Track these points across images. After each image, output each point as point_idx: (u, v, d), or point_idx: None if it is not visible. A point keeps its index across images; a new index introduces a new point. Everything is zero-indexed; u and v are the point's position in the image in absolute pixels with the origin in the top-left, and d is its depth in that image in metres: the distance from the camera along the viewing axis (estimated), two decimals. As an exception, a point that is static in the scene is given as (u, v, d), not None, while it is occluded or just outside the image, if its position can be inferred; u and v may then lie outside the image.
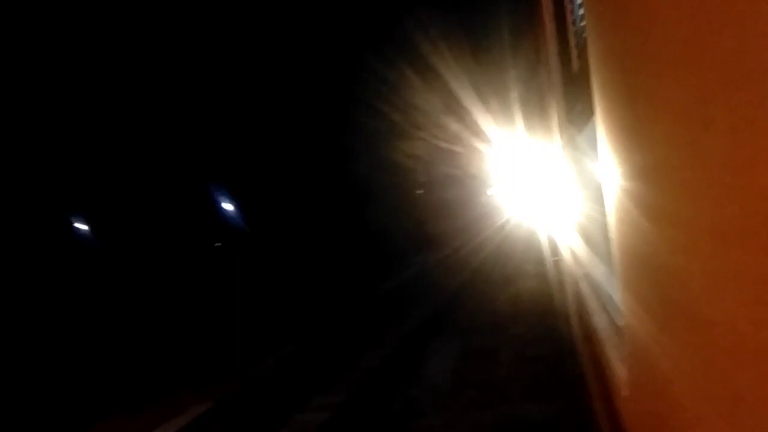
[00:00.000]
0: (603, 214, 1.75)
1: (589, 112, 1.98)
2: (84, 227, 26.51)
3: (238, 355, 8.52)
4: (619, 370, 1.66)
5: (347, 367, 7.72)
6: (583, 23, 2.19)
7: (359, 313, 12.11)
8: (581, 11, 2.21)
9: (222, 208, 25.45)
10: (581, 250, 3.11)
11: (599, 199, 2.24)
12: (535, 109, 9.41)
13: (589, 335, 2.52)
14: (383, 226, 23.91)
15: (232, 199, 25.46)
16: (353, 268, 18.30)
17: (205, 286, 15.65)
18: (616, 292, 2.03)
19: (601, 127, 1.38)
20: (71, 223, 25.94)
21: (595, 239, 2.82)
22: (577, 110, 2.56)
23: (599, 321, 2.22)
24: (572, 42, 2.53)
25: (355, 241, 23.03)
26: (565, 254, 4.79)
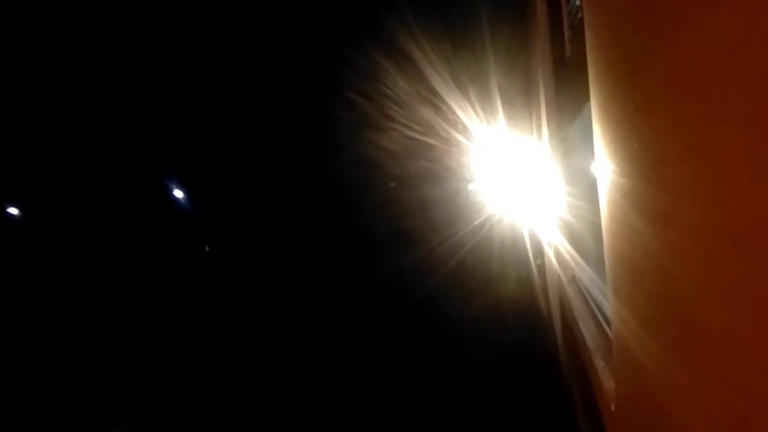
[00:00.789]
0: (594, 212, 1.74)
1: (583, 100, 1.98)
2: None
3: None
4: (607, 382, 1.66)
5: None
6: (578, 2, 2.19)
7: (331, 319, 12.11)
8: (578, 1, 2.21)
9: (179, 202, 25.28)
10: (568, 251, 3.13)
11: (590, 197, 2.24)
12: (519, 98, 9.48)
13: (574, 344, 2.54)
14: (356, 221, 23.90)
15: (188, 191, 25.25)
16: (326, 264, 18.36)
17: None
18: (605, 297, 2.03)
19: (597, 117, 1.36)
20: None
21: (584, 240, 2.83)
22: (569, 98, 2.56)
23: (586, 329, 2.24)
24: (566, 23, 2.53)
25: (327, 236, 23.06)
26: (550, 256, 4.83)
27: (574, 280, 3.02)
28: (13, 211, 25.12)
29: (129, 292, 17.64)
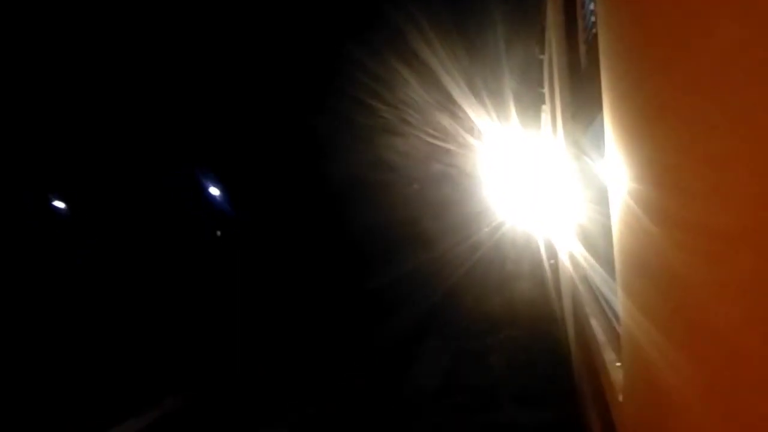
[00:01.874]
0: (605, 215, 1.74)
1: (596, 110, 1.98)
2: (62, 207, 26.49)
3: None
4: (616, 374, 1.67)
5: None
6: (593, 18, 2.19)
7: (348, 312, 12.13)
8: (592, 6, 2.21)
9: (212, 197, 25.55)
10: (580, 252, 3.11)
11: (602, 200, 2.24)
12: (534, 106, 9.42)
13: (585, 339, 2.53)
14: (374, 223, 23.93)
15: (221, 189, 25.54)
16: (339, 266, 18.34)
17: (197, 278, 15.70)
18: (615, 295, 2.03)
19: (608, 126, 1.37)
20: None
21: (595, 242, 2.82)
22: (583, 108, 2.56)
23: (596, 325, 2.23)
24: (581, 37, 2.52)
25: (342, 238, 23.08)
26: (563, 257, 4.80)
27: (585, 279, 3.01)
28: (59, 204, 25.66)
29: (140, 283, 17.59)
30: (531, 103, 9.44)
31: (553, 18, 3.37)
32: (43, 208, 25.44)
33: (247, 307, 11.59)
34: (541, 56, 5.69)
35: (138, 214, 24.75)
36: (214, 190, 25.17)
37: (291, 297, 14.02)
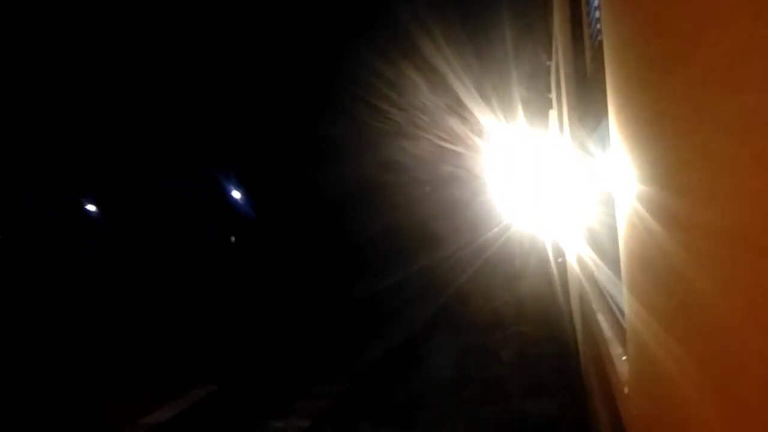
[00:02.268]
0: (611, 215, 1.76)
1: (602, 114, 2.00)
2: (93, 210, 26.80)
3: (238, 345, 8.58)
4: (621, 368, 1.68)
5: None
6: (599, 26, 2.21)
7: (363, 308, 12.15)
8: (597, 14, 2.23)
9: (232, 198, 25.66)
10: (587, 251, 3.13)
11: (608, 201, 2.25)
12: (542, 110, 9.40)
13: (592, 334, 2.55)
14: (387, 224, 23.90)
15: (242, 190, 25.64)
16: (352, 266, 18.33)
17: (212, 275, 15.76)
18: (621, 292, 2.05)
19: (614, 129, 1.39)
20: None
21: (601, 241, 2.83)
22: (589, 112, 2.57)
23: (603, 320, 2.25)
24: (587, 45, 2.54)
25: (354, 239, 23.06)
26: (570, 256, 4.80)
27: (592, 276, 3.02)
28: (91, 207, 25.98)
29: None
30: (538, 107, 9.42)
31: (559, 26, 3.38)
32: (76, 210, 25.80)
33: (264, 305, 11.64)
34: (549, 63, 5.69)
35: (155, 215, 24.98)
36: (236, 193, 25.30)
37: (307, 293, 14.12)
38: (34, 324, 12.47)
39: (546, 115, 8.96)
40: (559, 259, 8.08)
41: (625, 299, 1.49)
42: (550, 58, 5.34)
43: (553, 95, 5.80)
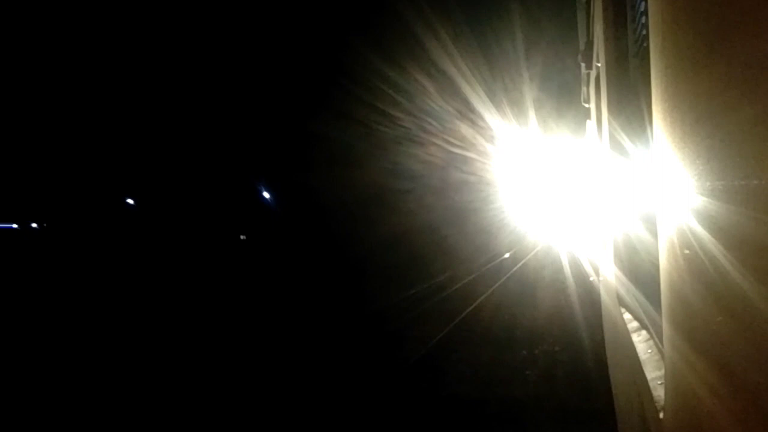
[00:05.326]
0: (651, 232, 1.69)
1: (647, 124, 1.92)
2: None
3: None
4: (657, 392, 1.61)
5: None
6: (645, 31, 2.13)
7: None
8: (644, 20, 2.15)
9: (263, 198, 26.68)
10: (623, 270, 3.02)
11: (648, 217, 2.17)
12: (578, 121, 9.23)
13: (626, 356, 2.45)
14: (397, 233, 24.00)
15: (270, 192, 26.50)
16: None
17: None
18: (659, 314, 1.96)
19: (659, 140, 1.31)
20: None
21: (639, 259, 2.73)
22: (632, 122, 2.48)
23: (638, 341, 2.16)
24: (631, 51, 2.45)
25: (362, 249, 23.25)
26: (606, 274, 4.67)
27: (628, 296, 2.92)
28: (129, 201, 27.53)
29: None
30: (574, 118, 9.27)
31: (602, 32, 3.29)
32: (120, 208, 27.54)
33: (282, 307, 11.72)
34: (588, 71, 5.57)
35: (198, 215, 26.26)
36: (266, 194, 26.30)
37: (324, 297, 14.26)
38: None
39: (583, 127, 8.79)
40: (592, 278, 7.89)
41: (663, 321, 1.41)
42: (590, 67, 5.22)
43: (592, 105, 5.67)
